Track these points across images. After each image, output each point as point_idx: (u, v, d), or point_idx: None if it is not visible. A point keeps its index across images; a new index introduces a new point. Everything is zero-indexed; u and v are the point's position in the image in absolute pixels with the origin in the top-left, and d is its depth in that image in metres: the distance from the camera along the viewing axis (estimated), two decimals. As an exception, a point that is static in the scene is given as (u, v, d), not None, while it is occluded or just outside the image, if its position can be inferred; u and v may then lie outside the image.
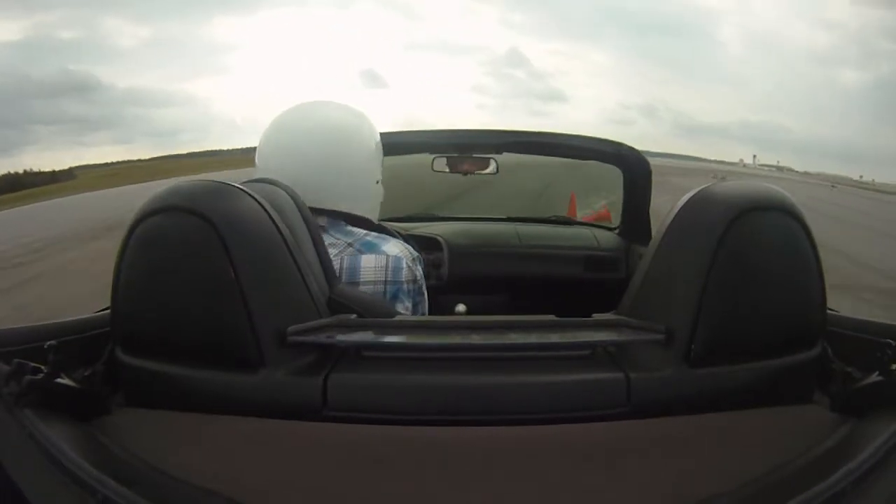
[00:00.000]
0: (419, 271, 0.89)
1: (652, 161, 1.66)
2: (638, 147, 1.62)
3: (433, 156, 1.69)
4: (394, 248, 0.87)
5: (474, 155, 1.67)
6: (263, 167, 0.87)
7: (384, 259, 0.85)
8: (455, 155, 1.67)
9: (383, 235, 0.89)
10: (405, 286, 0.86)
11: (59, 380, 0.56)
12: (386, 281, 0.84)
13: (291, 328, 0.60)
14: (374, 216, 0.93)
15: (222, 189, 0.62)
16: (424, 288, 0.91)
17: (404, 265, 0.86)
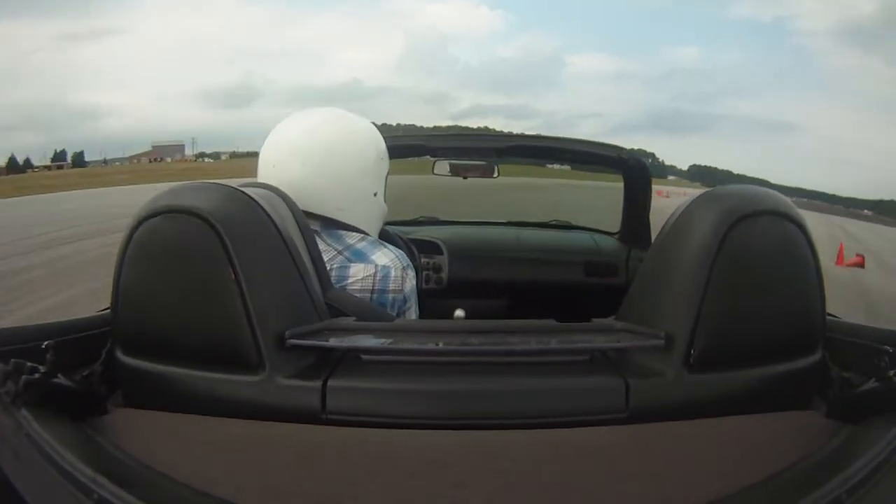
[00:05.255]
0: (409, 282, 0.89)
1: None
2: None
3: (434, 159, 1.69)
4: (383, 256, 0.87)
5: (476, 159, 1.67)
6: (263, 168, 0.87)
7: (372, 268, 0.85)
8: (456, 160, 1.67)
9: (375, 242, 0.89)
10: (390, 296, 0.86)
11: (56, 380, 0.55)
12: (373, 290, 0.85)
13: (290, 331, 0.59)
14: (371, 229, 0.92)
15: (223, 191, 0.62)
16: (414, 298, 0.91)
17: (392, 275, 0.86)
